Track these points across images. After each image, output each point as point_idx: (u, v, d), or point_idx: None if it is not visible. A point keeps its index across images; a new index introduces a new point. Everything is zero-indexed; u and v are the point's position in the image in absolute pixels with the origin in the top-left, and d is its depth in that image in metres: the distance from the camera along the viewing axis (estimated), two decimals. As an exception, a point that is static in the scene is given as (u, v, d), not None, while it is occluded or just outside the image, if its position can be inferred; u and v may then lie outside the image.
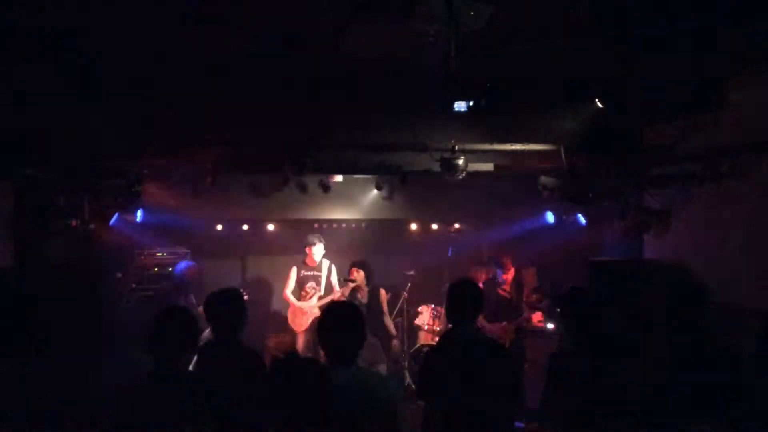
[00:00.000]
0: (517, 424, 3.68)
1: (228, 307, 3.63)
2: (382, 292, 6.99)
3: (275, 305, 8.19)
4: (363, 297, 6.85)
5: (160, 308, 3.00)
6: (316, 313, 7.28)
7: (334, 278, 7.44)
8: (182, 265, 6.69)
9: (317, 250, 7.38)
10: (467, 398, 3.25)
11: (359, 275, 6.86)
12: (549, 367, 3.26)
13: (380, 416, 2.73)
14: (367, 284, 6.88)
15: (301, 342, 7.24)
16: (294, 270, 7.43)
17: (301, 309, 7.27)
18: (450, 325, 3.61)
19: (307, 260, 7.41)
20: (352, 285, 6.82)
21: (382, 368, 6.71)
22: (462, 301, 3.47)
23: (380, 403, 2.76)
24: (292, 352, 2.36)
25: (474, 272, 7.50)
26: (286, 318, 7.48)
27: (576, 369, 3.11)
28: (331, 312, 2.93)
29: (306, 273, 7.41)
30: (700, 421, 2.94)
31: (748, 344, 4.36)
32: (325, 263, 7.47)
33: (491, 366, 3.33)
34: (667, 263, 5.61)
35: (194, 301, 6.35)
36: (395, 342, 6.97)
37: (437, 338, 7.47)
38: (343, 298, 6.85)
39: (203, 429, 2.67)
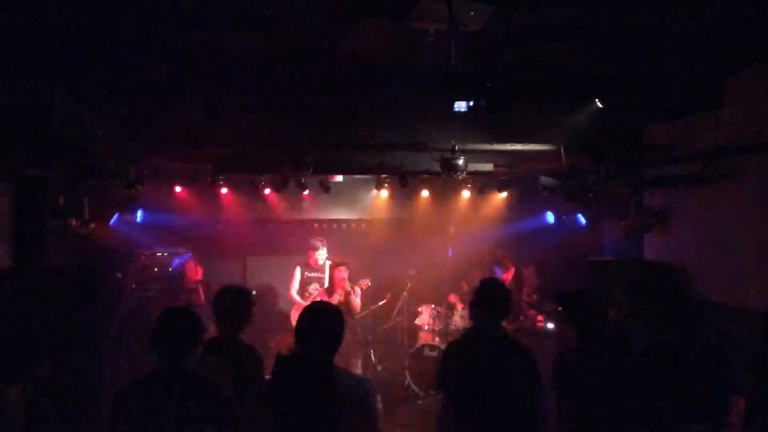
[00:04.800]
0: None
1: (235, 305, 3.66)
2: (358, 290, 7.00)
3: (276, 305, 8.18)
4: (342, 295, 6.85)
5: (163, 308, 3.00)
6: None
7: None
8: (176, 261, 6.68)
9: (320, 254, 7.38)
10: (485, 392, 3.25)
11: (347, 273, 6.91)
12: (557, 368, 3.26)
13: (356, 416, 2.73)
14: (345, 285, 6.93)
15: None
16: (297, 270, 7.40)
17: None
18: (466, 323, 3.61)
19: (310, 262, 7.41)
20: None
21: (356, 362, 6.73)
22: (490, 300, 3.48)
23: (356, 403, 2.76)
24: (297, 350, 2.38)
25: (474, 272, 7.51)
26: (287, 318, 7.46)
27: (585, 368, 3.12)
28: (311, 312, 2.94)
29: (309, 274, 7.39)
30: (697, 421, 2.95)
31: (749, 344, 4.38)
32: (328, 264, 7.47)
33: (513, 363, 3.34)
34: (664, 263, 5.62)
35: (201, 299, 6.31)
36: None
37: (437, 338, 7.48)
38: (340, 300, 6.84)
39: (205, 428, 2.67)
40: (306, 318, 2.88)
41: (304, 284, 7.36)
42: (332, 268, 7.06)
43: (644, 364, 3.08)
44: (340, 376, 2.77)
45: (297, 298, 7.33)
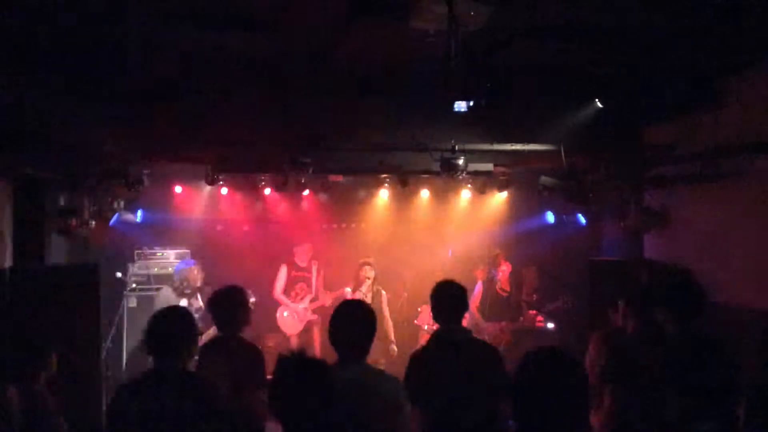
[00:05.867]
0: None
1: (230, 305, 3.66)
2: (384, 294, 6.97)
3: (275, 305, 8.18)
4: (366, 296, 6.82)
5: (159, 309, 3.01)
6: (310, 316, 7.16)
7: (320, 281, 7.37)
8: (180, 265, 6.66)
9: (304, 251, 7.30)
10: (454, 400, 3.24)
11: (372, 273, 6.83)
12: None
13: (386, 414, 2.73)
14: (373, 284, 6.87)
15: (294, 345, 7.11)
16: (284, 270, 7.28)
17: (293, 311, 7.18)
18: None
19: (297, 260, 7.31)
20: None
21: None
22: (444, 303, 3.47)
23: (387, 401, 2.76)
24: (299, 350, 2.37)
25: (474, 271, 7.50)
26: (276, 319, 7.32)
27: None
28: (345, 308, 2.94)
29: (296, 273, 7.28)
30: (701, 420, 2.95)
31: (748, 343, 4.38)
32: (314, 264, 7.36)
33: (477, 366, 3.33)
34: (668, 264, 5.61)
35: (200, 303, 6.32)
36: (392, 347, 6.80)
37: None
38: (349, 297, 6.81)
39: (203, 427, 2.67)
40: (340, 315, 2.88)
41: (291, 284, 7.24)
42: (357, 267, 6.94)
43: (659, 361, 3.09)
44: (370, 375, 2.79)
45: (283, 298, 7.20)
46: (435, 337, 3.51)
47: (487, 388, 3.27)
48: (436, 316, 3.50)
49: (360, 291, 6.75)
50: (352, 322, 2.86)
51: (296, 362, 2.22)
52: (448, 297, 3.47)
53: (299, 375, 2.19)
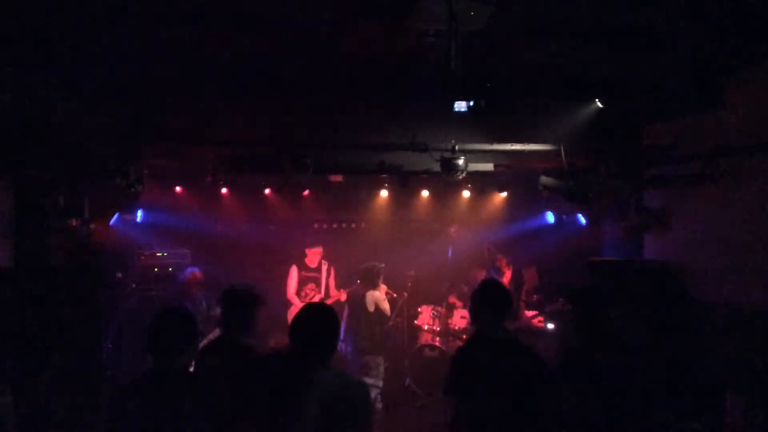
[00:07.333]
0: None
1: (243, 309, 3.49)
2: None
3: (275, 305, 8.18)
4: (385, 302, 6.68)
5: (159, 308, 3.00)
6: None
7: (332, 280, 7.42)
8: (186, 271, 6.71)
9: (315, 254, 7.36)
10: (498, 396, 3.28)
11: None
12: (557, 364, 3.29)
13: (350, 418, 2.74)
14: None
15: None
16: (294, 270, 7.37)
17: None
18: (463, 326, 3.63)
19: (307, 261, 7.39)
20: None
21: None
22: (496, 301, 3.51)
23: (350, 405, 2.76)
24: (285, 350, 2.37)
25: (474, 272, 7.50)
26: (286, 318, 7.43)
27: (583, 366, 3.14)
28: (306, 312, 2.95)
29: (306, 274, 7.37)
30: (693, 420, 2.96)
31: (748, 343, 4.38)
32: (324, 265, 7.44)
33: (517, 366, 3.37)
34: (659, 264, 5.62)
35: (204, 306, 6.34)
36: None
37: (437, 338, 7.47)
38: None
39: (202, 427, 2.67)
40: (301, 318, 2.90)
41: (301, 284, 7.32)
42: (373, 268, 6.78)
43: (639, 363, 3.10)
44: (334, 379, 2.78)
45: (295, 299, 7.26)
46: (480, 334, 3.55)
47: (525, 386, 3.29)
48: (482, 313, 3.52)
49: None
50: (313, 327, 2.87)
51: (275, 360, 2.22)
52: (498, 296, 3.55)
53: (276, 373, 2.18)
